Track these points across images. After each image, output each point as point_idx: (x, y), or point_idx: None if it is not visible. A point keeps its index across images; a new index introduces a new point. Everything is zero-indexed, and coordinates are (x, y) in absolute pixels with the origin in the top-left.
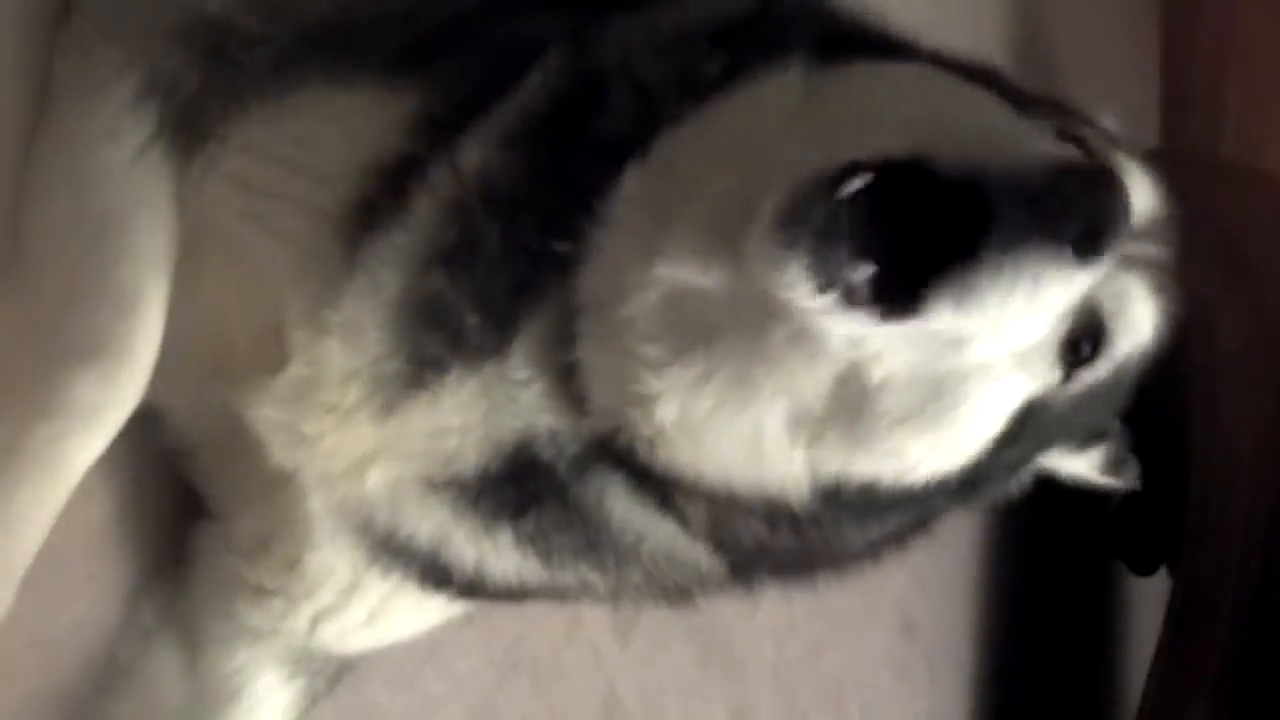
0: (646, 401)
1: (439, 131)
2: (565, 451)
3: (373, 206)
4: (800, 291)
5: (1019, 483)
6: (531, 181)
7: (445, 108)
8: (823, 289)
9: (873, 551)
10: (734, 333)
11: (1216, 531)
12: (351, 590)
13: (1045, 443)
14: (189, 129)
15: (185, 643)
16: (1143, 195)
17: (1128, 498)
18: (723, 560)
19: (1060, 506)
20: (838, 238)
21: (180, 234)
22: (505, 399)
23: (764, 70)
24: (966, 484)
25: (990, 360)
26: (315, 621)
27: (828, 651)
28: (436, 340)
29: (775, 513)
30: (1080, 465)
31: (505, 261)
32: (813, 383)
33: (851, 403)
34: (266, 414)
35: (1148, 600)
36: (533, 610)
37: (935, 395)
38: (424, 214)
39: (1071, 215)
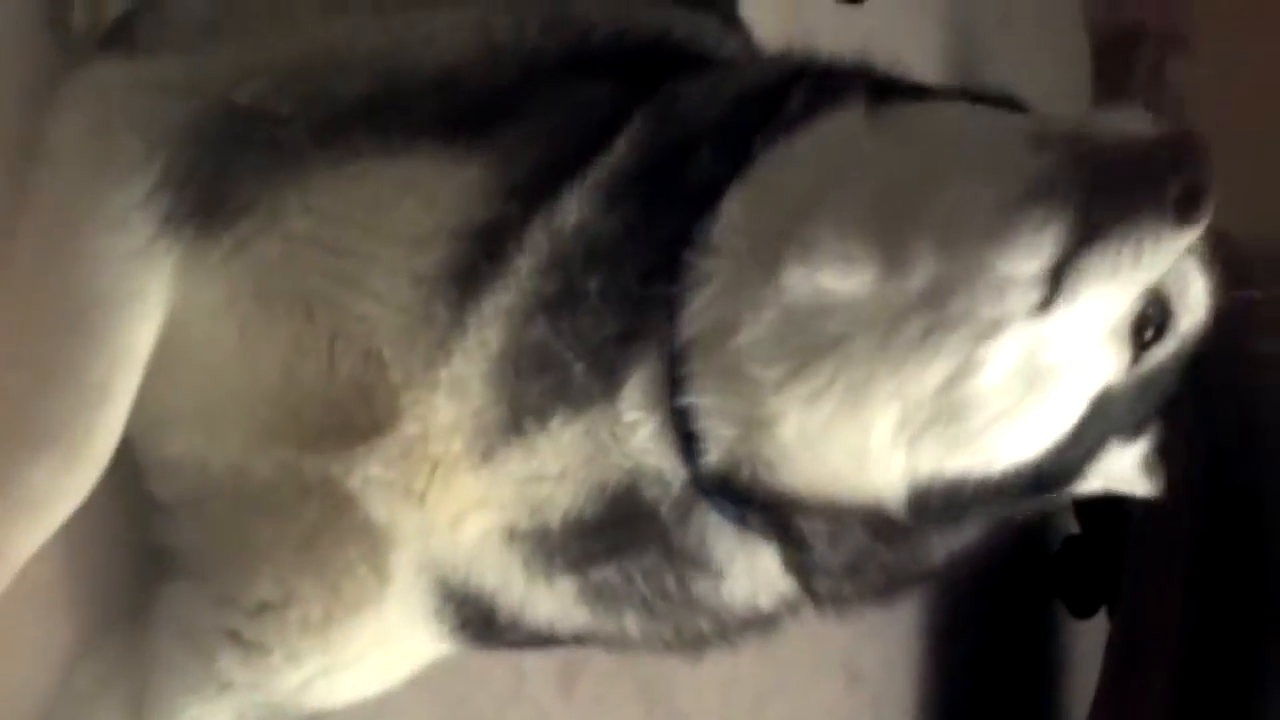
0: (767, 424)
1: (525, 196)
2: (670, 491)
3: (472, 270)
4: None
5: (1084, 485)
6: (630, 233)
7: (525, 173)
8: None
9: (948, 561)
10: (862, 335)
11: (1154, 574)
12: (378, 646)
13: (1108, 434)
14: (209, 211)
15: (127, 704)
16: None
17: (1068, 540)
18: (814, 586)
19: (1001, 550)
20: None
21: (208, 307)
22: (612, 441)
23: (836, 105)
24: (1039, 481)
25: (1086, 342)
26: (314, 677)
27: (773, 702)
28: (539, 387)
29: (873, 522)
30: (1125, 462)
31: (608, 310)
32: (929, 381)
33: (957, 400)
34: (373, 473)
35: (1088, 643)
36: (475, 667)
37: (1033, 388)
38: (524, 273)
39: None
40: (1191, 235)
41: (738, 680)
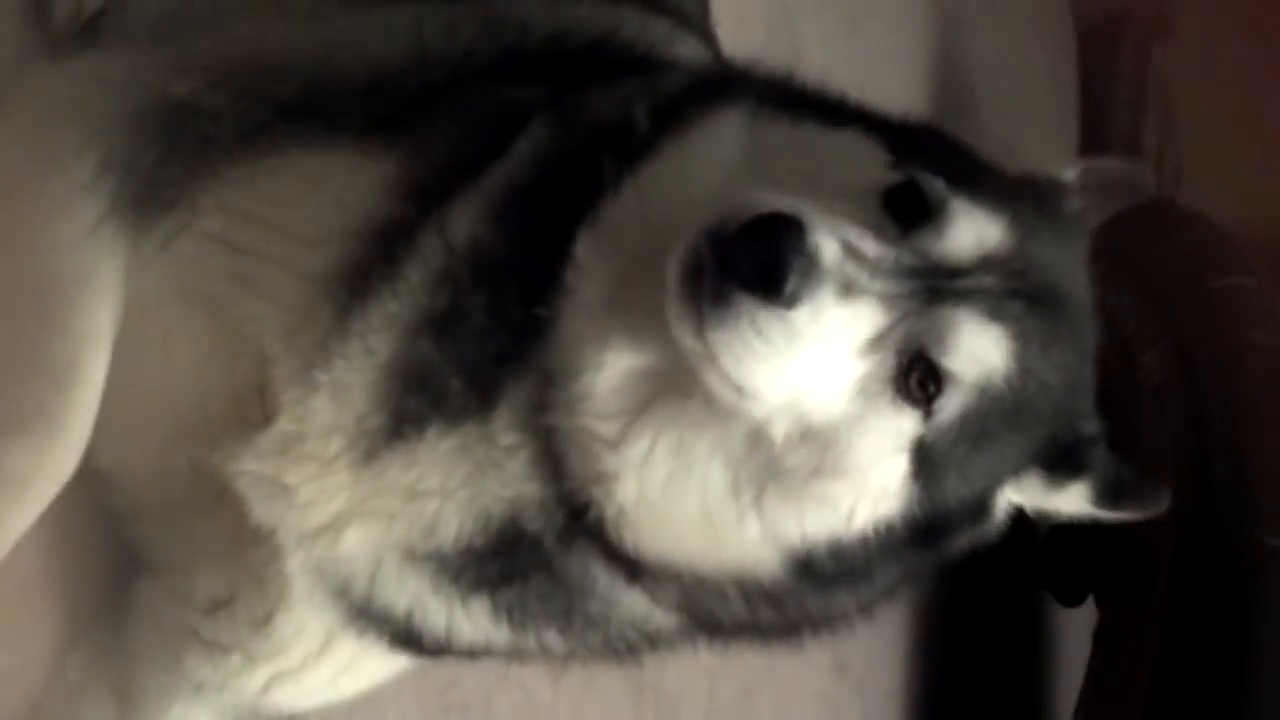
0: (607, 480)
1: (426, 196)
2: (552, 522)
3: (363, 271)
4: (690, 342)
5: (991, 525)
6: (516, 250)
7: (430, 172)
8: (698, 337)
9: (865, 609)
10: (668, 402)
11: (1141, 563)
12: (321, 652)
13: (979, 479)
14: (146, 202)
15: (116, 697)
16: (969, 232)
17: (1055, 529)
18: (700, 631)
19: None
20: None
21: (139, 302)
22: (490, 464)
23: (698, 122)
24: (922, 529)
25: (845, 402)
26: (273, 681)
27: (760, 691)
28: (418, 401)
29: (749, 591)
30: (1069, 502)
31: (491, 330)
32: (734, 443)
33: (770, 460)
34: (250, 468)
35: (1076, 631)
36: None
37: (826, 446)
38: (415, 282)
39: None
40: (807, 305)
41: (725, 668)
